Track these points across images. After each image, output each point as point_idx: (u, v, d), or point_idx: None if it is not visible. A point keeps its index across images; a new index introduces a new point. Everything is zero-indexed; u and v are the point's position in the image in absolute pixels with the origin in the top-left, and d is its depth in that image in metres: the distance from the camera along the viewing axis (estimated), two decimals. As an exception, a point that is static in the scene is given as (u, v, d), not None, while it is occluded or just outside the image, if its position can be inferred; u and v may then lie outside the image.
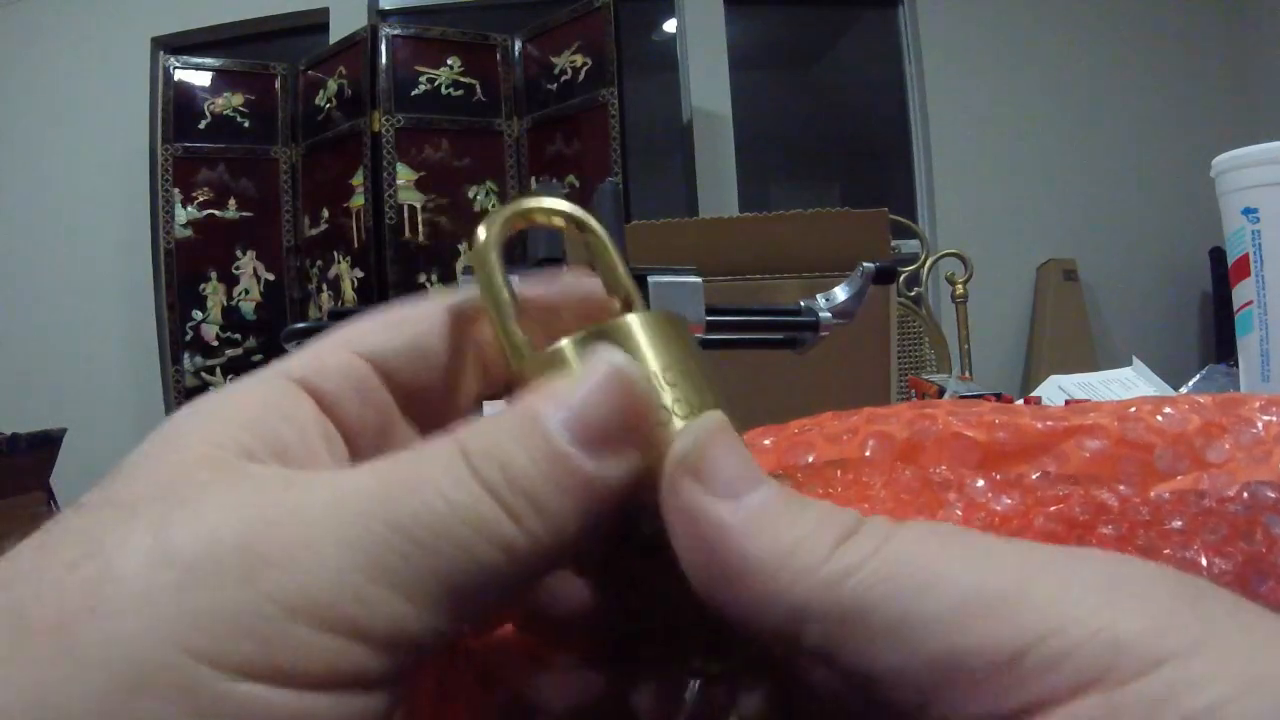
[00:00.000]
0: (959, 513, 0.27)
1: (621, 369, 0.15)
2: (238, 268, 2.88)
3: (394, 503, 0.13)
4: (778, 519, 0.14)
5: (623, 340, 0.16)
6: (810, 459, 0.34)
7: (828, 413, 0.36)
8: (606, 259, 0.19)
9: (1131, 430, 0.30)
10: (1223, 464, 0.28)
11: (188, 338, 2.84)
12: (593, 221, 0.19)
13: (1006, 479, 0.28)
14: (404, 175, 2.68)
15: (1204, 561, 0.24)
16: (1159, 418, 0.30)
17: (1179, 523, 0.25)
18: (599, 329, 0.16)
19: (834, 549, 0.13)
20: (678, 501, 0.14)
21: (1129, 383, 0.78)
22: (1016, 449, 0.31)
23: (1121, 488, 0.26)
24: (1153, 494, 0.27)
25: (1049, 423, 0.31)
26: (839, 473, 0.30)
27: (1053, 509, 0.26)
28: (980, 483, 0.28)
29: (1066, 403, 0.59)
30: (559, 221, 0.19)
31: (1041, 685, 0.11)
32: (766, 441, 0.35)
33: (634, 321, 0.16)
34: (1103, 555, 0.13)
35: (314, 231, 2.85)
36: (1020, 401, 0.66)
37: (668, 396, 0.15)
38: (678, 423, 0.15)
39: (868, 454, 0.32)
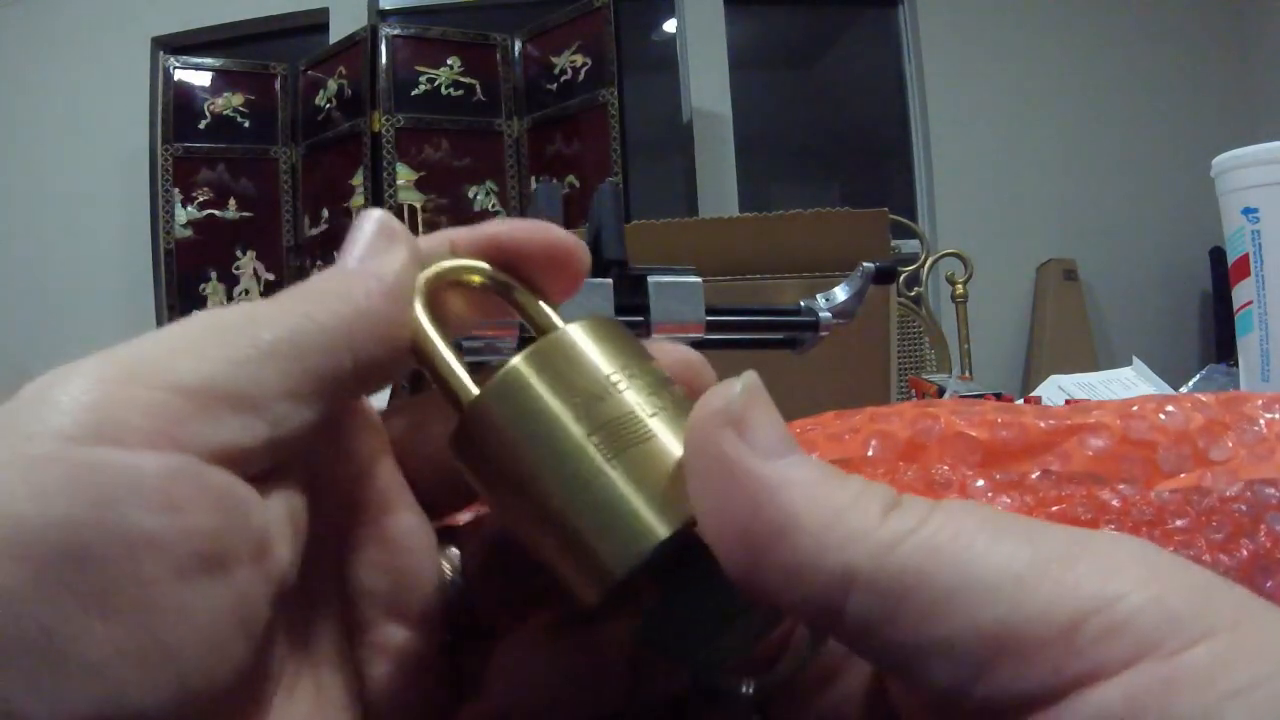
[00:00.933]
0: None
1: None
2: (238, 268, 2.88)
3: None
4: (822, 481, 0.13)
5: (566, 349, 0.15)
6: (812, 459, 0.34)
7: (830, 412, 0.36)
8: (540, 320, 0.17)
9: (1134, 429, 0.30)
10: (1225, 462, 0.28)
11: (188, 338, 2.84)
12: (515, 282, 0.17)
13: (1008, 478, 0.28)
14: (404, 175, 2.68)
15: (1208, 559, 0.24)
16: (1162, 416, 0.30)
17: (1182, 521, 0.25)
18: (540, 343, 0.15)
19: (883, 516, 0.13)
20: (717, 453, 0.13)
21: (1129, 383, 0.78)
22: (1019, 448, 0.31)
23: (1123, 487, 0.26)
24: (1154, 493, 0.27)
25: (1052, 421, 0.31)
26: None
27: (1054, 509, 0.26)
28: (980, 482, 0.28)
29: (1067, 402, 0.59)
30: (477, 279, 0.17)
31: (1097, 654, 0.11)
32: None
33: (574, 331, 0.15)
34: (1129, 537, 0.13)
35: (314, 231, 2.85)
36: (1021, 401, 0.66)
37: (630, 396, 0.15)
38: (651, 423, 0.14)
39: (870, 453, 0.32)
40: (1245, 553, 0.23)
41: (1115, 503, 0.26)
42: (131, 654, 0.12)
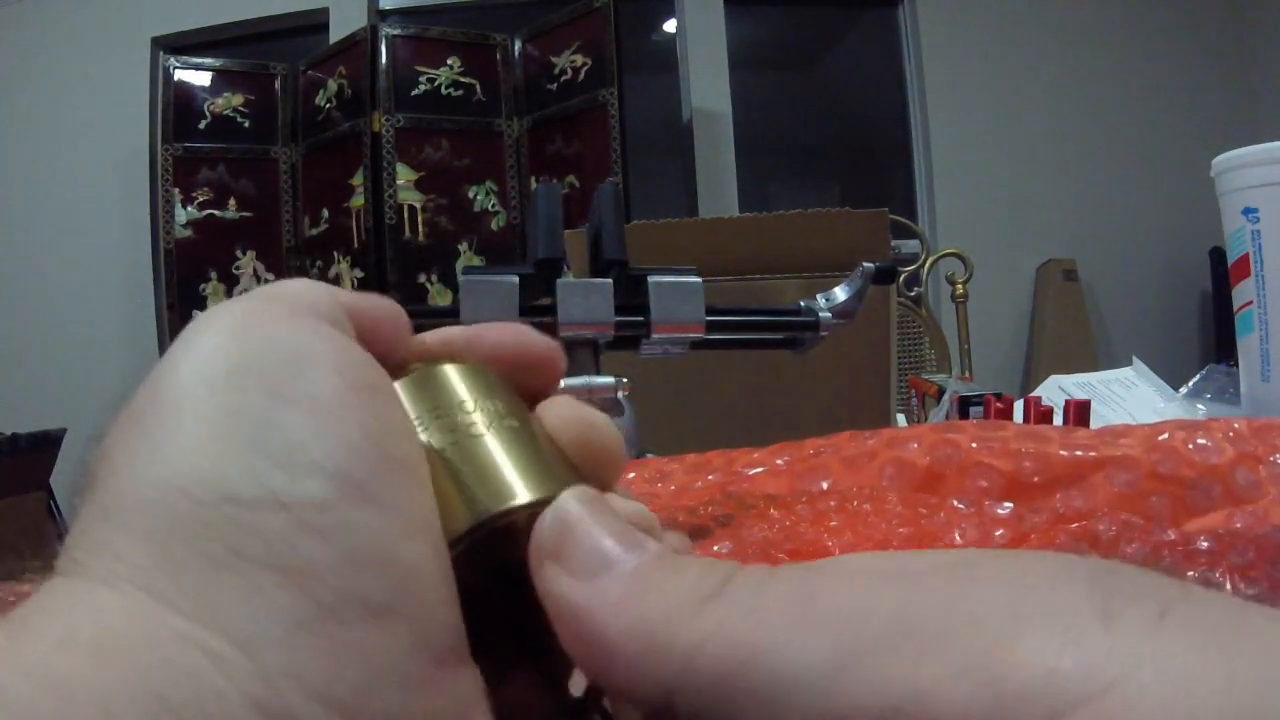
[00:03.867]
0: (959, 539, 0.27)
1: None
2: (238, 268, 2.88)
3: None
4: (643, 592, 0.13)
5: (441, 381, 0.17)
6: (825, 485, 0.33)
7: (845, 432, 0.35)
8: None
9: (1163, 463, 0.29)
10: (1256, 500, 0.27)
11: (188, 338, 2.84)
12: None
13: (1023, 511, 0.27)
14: (404, 175, 2.68)
15: (1229, 585, 0.23)
16: (1191, 447, 0.29)
17: (1206, 543, 0.24)
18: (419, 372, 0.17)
19: (696, 612, 0.12)
20: (543, 587, 0.14)
21: (1129, 383, 0.78)
22: (1044, 481, 0.29)
23: (1152, 527, 0.25)
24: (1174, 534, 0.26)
25: (1078, 452, 0.30)
26: (833, 503, 0.30)
27: (1073, 525, 0.26)
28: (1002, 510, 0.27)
29: (1066, 402, 0.59)
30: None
31: None
32: (780, 461, 0.35)
33: (449, 369, 0.17)
34: (997, 575, 0.12)
35: (314, 231, 2.85)
36: (1020, 401, 0.66)
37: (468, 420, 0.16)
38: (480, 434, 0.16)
39: (885, 482, 0.31)
40: (1267, 581, 0.23)
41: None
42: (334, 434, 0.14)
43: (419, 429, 0.16)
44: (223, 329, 0.15)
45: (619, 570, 0.14)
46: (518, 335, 0.18)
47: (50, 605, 0.12)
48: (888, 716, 0.10)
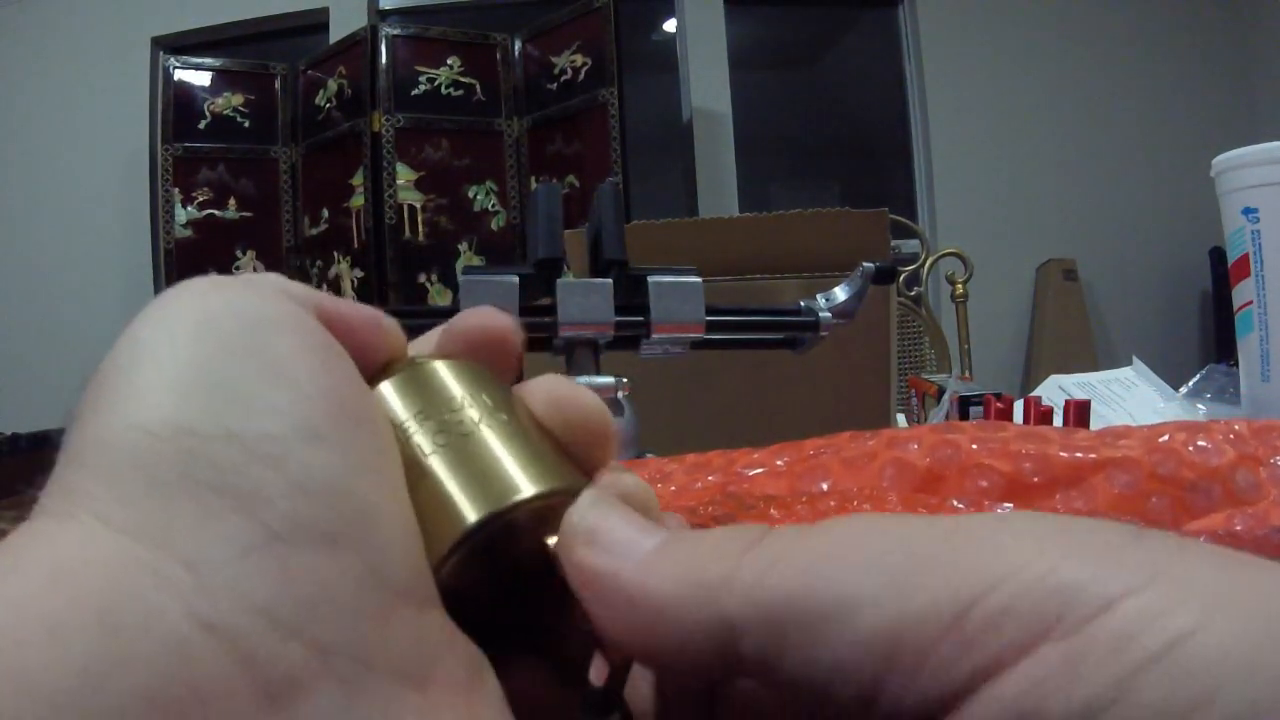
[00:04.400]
0: None
1: None
2: (238, 268, 2.87)
3: None
4: (677, 553, 0.14)
5: (428, 377, 0.17)
6: (825, 486, 0.33)
7: (845, 433, 0.35)
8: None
9: (1163, 465, 0.28)
10: (1256, 502, 0.27)
11: (188, 338, 2.84)
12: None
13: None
14: (404, 175, 2.68)
15: None
16: (1191, 448, 0.29)
17: (1206, 540, 0.24)
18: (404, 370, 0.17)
19: (743, 555, 0.13)
20: (579, 571, 0.14)
21: (1129, 383, 0.78)
22: (1043, 481, 0.29)
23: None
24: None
25: (1078, 454, 0.30)
26: (833, 503, 0.30)
27: None
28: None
29: (1066, 402, 0.59)
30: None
31: (989, 647, 0.10)
32: (780, 462, 0.35)
33: (439, 365, 0.18)
34: (1023, 512, 0.12)
35: (314, 231, 2.85)
36: (1020, 401, 0.66)
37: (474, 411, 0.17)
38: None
39: (885, 483, 0.31)
40: None
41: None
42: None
43: (411, 431, 0.16)
44: (189, 295, 0.16)
45: (655, 538, 0.14)
46: (480, 317, 0.19)
47: (10, 542, 0.12)
48: (960, 613, 0.11)
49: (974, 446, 0.31)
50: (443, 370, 0.17)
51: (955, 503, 0.29)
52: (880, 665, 0.11)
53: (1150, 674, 0.10)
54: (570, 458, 0.17)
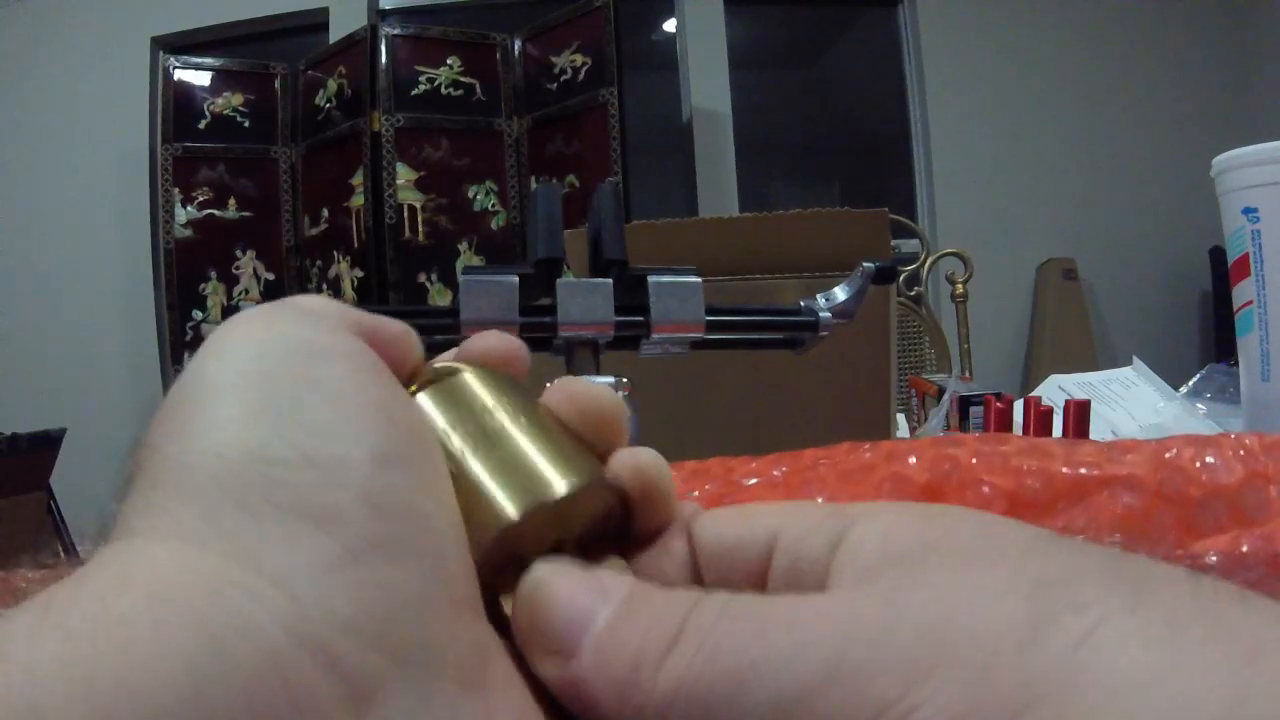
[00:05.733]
0: None
1: None
2: (238, 268, 2.87)
3: None
4: (613, 653, 0.14)
5: (459, 390, 0.18)
6: (820, 500, 0.32)
7: (845, 444, 0.35)
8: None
9: (1169, 483, 0.28)
10: (1264, 523, 0.27)
11: (188, 338, 2.84)
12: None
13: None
14: (404, 175, 2.68)
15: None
16: (1199, 464, 0.28)
17: (1214, 558, 0.24)
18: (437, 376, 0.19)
19: (656, 674, 0.14)
20: (540, 672, 0.15)
21: (1129, 383, 0.78)
22: (1046, 499, 0.29)
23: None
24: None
25: (1081, 470, 0.29)
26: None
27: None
28: None
29: (1066, 402, 0.59)
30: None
31: None
32: (777, 472, 0.34)
33: (468, 376, 0.19)
34: (939, 580, 0.13)
35: (314, 231, 2.85)
36: (1020, 401, 0.66)
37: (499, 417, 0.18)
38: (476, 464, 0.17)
39: (883, 499, 0.31)
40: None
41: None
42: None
43: (448, 437, 0.17)
44: (245, 330, 0.17)
45: (592, 632, 0.15)
46: (490, 341, 0.20)
47: (107, 560, 0.13)
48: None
49: (974, 461, 0.30)
50: (470, 379, 0.19)
51: None
52: None
53: None
54: (589, 448, 0.18)
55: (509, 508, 0.16)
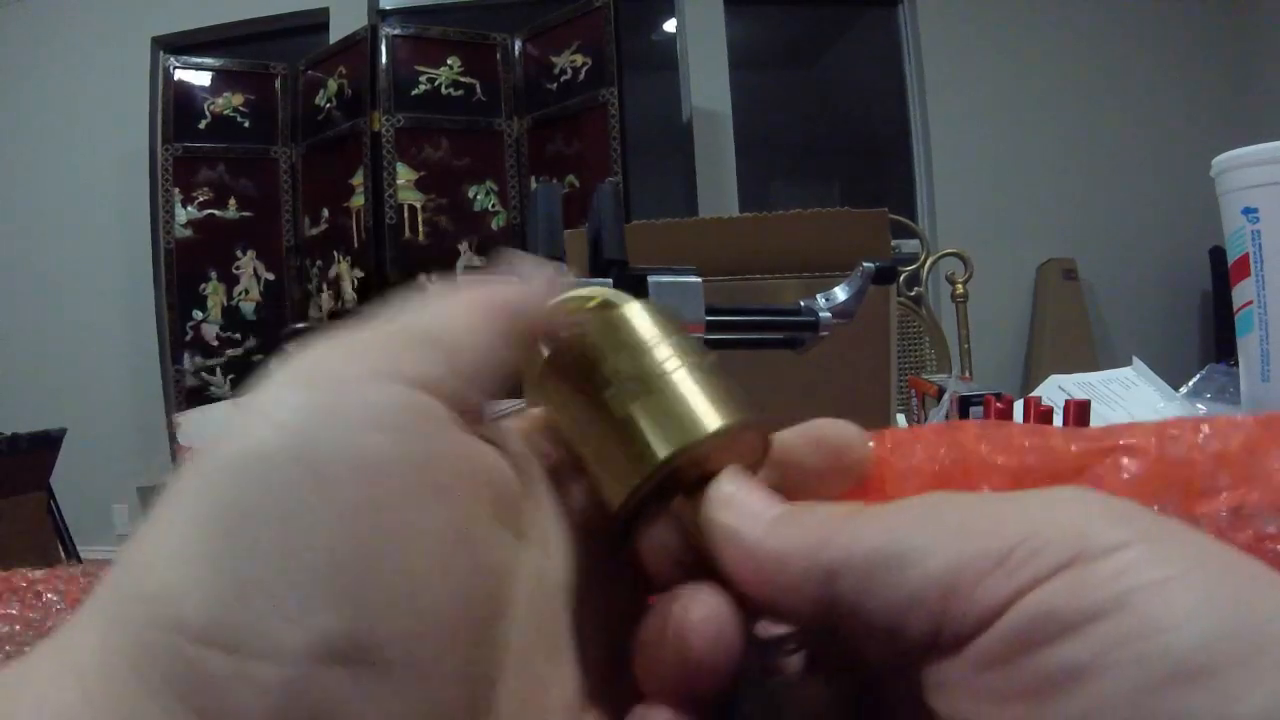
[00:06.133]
0: None
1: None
2: (238, 267, 2.88)
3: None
4: (793, 518, 0.17)
5: (632, 316, 0.20)
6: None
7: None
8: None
9: (1171, 450, 0.29)
10: (1269, 478, 0.27)
11: (188, 338, 2.84)
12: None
13: None
14: (404, 175, 2.68)
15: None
16: (1200, 437, 0.29)
17: (1224, 513, 0.24)
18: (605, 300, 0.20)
19: (843, 521, 0.16)
20: (721, 531, 0.17)
21: (1129, 383, 0.78)
22: (1048, 473, 0.29)
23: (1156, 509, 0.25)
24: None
25: (1083, 443, 0.30)
26: None
27: None
28: None
29: (1066, 402, 0.59)
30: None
31: (1023, 574, 0.14)
32: None
33: (637, 305, 0.20)
34: (1069, 487, 0.16)
35: (314, 231, 2.85)
36: (1020, 401, 0.66)
37: (663, 352, 0.19)
38: (676, 369, 0.19)
39: (888, 486, 0.32)
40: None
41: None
42: (357, 569, 0.13)
43: (651, 351, 0.19)
44: (287, 416, 0.14)
45: (778, 509, 0.17)
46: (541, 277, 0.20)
47: (25, 666, 0.13)
48: (1006, 551, 0.14)
49: (981, 445, 0.31)
50: (642, 311, 0.20)
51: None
52: (944, 595, 0.14)
53: (1145, 594, 0.13)
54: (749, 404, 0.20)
55: (711, 419, 0.18)
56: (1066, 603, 0.13)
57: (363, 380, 0.15)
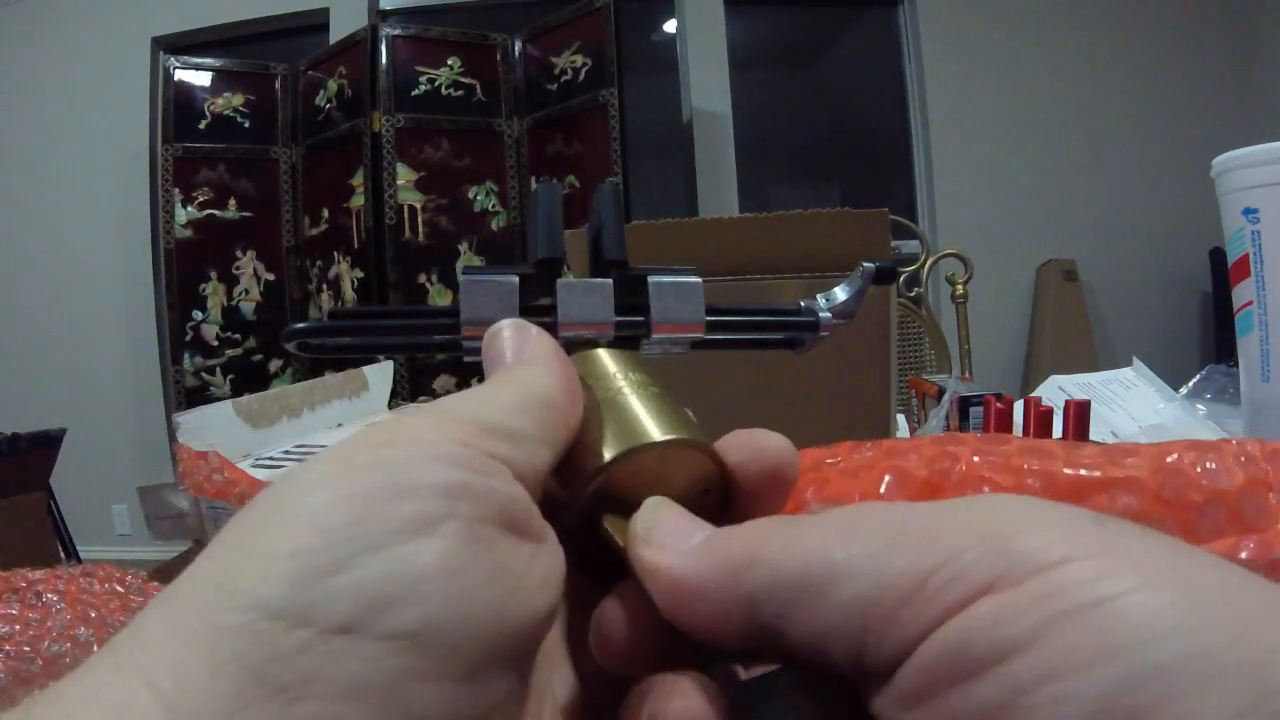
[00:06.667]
0: None
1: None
2: (238, 268, 2.87)
3: None
4: (713, 546, 0.16)
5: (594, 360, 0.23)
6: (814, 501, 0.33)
7: (845, 443, 0.35)
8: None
9: (1169, 486, 0.28)
10: (1264, 529, 0.27)
11: (188, 338, 2.84)
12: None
13: None
14: (404, 175, 2.68)
15: None
16: (1199, 470, 0.28)
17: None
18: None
19: (762, 544, 0.15)
20: (642, 566, 0.17)
21: (1129, 383, 0.78)
22: (1046, 498, 0.29)
23: None
24: None
25: (1082, 471, 0.29)
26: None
27: None
28: None
29: (1066, 402, 0.59)
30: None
31: (943, 600, 0.13)
32: None
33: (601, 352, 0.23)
34: (1003, 496, 0.14)
35: (314, 231, 2.85)
36: (1020, 402, 0.66)
37: (620, 382, 0.22)
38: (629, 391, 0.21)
39: (883, 490, 0.31)
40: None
41: None
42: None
43: (609, 382, 0.21)
44: (338, 463, 0.15)
45: (697, 537, 0.17)
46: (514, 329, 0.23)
47: (81, 675, 0.13)
48: (924, 578, 0.13)
49: (975, 459, 0.31)
50: (606, 354, 0.24)
51: None
52: (861, 625, 0.13)
53: (1067, 624, 0.11)
54: (700, 429, 0.21)
55: (609, 450, 0.19)
56: (982, 636, 0.12)
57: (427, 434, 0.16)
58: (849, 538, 0.14)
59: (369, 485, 0.14)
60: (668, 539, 0.17)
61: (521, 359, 0.21)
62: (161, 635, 0.13)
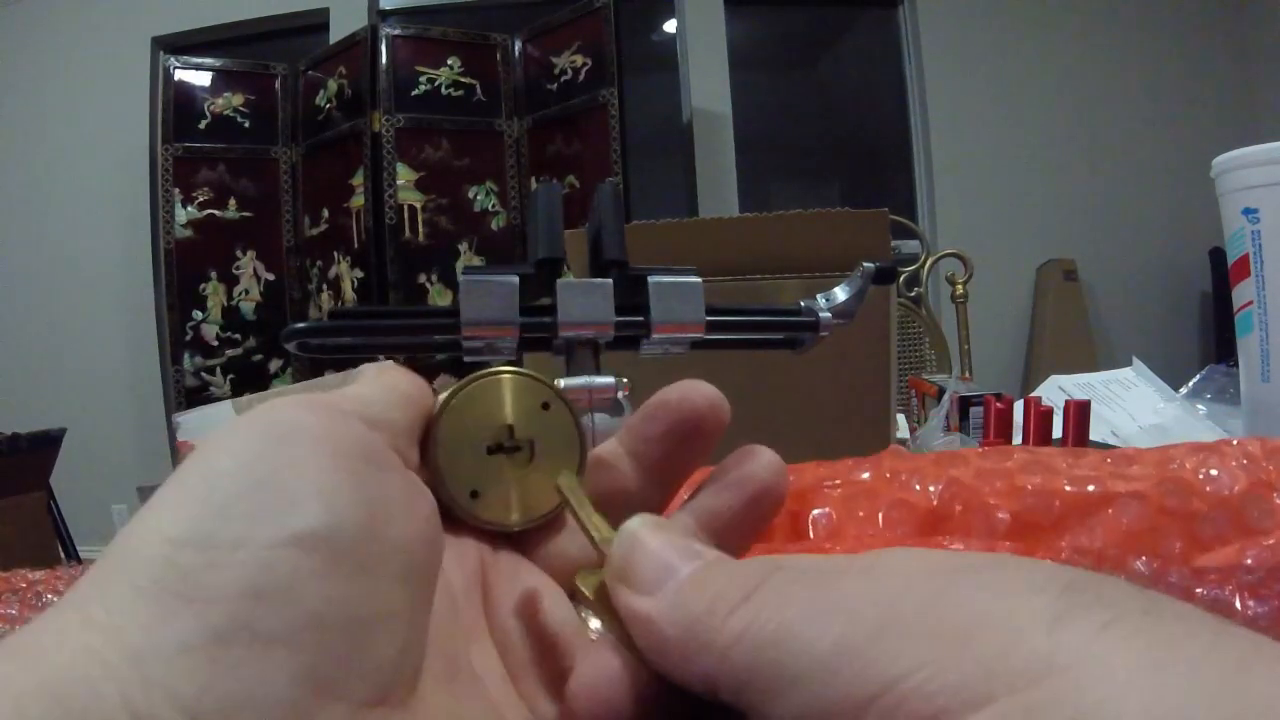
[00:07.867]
0: None
1: None
2: (238, 268, 2.88)
3: None
4: (690, 598, 0.15)
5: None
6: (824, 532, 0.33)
7: (848, 460, 0.35)
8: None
9: (1173, 496, 0.28)
10: (1269, 532, 0.27)
11: (188, 338, 2.84)
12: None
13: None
14: (404, 175, 2.68)
15: (1238, 604, 0.23)
16: (1202, 476, 0.28)
17: (1216, 574, 0.24)
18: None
19: (728, 617, 0.14)
20: (618, 606, 0.17)
21: (1129, 383, 0.78)
22: (1050, 522, 0.29)
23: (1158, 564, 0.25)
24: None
25: (1088, 488, 0.29)
26: (837, 549, 0.29)
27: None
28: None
29: (1067, 402, 0.59)
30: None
31: None
32: None
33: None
34: (989, 580, 0.13)
35: (314, 231, 2.85)
36: (1020, 402, 0.66)
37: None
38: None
39: (880, 524, 0.31)
40: (1278, 600, 0.23)
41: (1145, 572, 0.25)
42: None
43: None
44: (242, 422, 0.17)
45: (676, 578, 0.16)
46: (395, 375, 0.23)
47: (35, 623, 0.14)
48: (865, 704, 0.12)
49: (979, 483, 0.30)
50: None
51: (960, 548, 0.28)
52: None
53: None
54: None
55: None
56: None
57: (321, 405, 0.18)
58: (811, 628, 0.13)
59: (251, 441, 0.16)
60: (646, 576, 0.16)
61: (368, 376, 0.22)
62: (90, 578, 0.15)
